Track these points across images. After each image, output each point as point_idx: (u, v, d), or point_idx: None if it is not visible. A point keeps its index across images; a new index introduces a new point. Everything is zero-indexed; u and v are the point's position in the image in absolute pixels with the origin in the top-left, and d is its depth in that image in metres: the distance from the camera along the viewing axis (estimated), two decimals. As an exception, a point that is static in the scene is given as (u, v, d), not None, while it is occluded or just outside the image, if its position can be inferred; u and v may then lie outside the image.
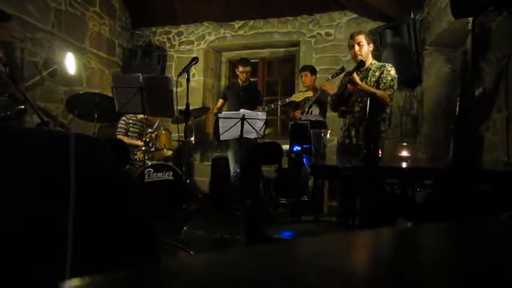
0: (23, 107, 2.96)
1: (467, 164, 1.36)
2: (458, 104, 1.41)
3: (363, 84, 2.93)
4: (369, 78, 3.00)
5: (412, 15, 4.30)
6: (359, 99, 3.02)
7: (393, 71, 2.96)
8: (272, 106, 4.33)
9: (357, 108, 3.04)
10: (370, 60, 3.05)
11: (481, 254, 0.36)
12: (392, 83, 2.92)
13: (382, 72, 2.96)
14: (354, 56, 3.03)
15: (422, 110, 4.28)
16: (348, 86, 2.96)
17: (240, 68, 4.29)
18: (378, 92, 2.89)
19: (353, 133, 3.04)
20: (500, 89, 2.54)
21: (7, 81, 3.00)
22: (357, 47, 3.00)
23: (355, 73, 2.93)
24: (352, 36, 3.07)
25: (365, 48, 2.99)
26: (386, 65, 3.03)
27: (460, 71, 4.06)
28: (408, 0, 4.35)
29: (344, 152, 3.04)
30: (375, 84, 2.95)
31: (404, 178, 2.07)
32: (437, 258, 0.36)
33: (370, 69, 3.02)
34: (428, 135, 4.17)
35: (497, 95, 2.59)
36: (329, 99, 3.34)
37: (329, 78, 3.66)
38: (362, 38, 3.00)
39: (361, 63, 2.98)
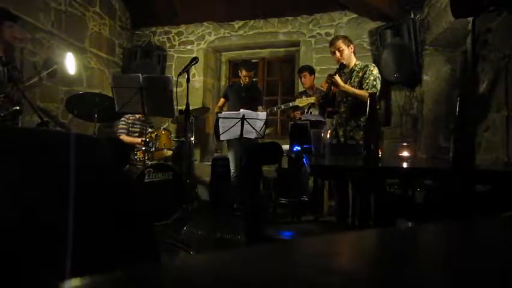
0: (18, 108, 2.94)
1: (467, 164, 1.36)
2: (458, 104, 1.41)
3: (345, 86, 3.00)
4: (353, 79, 3.05)
5: (412, 15, 4.30)
6: (344, 100, 3.08)
7: (375, 71, 2.99)
8: (275, 109, 4.34)
9: (342, 109, 3.10)
10: (354, 61, 3.11)
11: (481, 254, 0.36)
12: (374, 83, 2.96)
13: (365, 73, 3.00)
14: (337, 61, 3.11)
15: (422, 110, 4.28)
16: (332, 87, 3.03)
17: (244, 72, 4.29)
18: (359, 92, 2.94)
19: (340, 133, 3.09)
20: (500, 89, 2.54)
21: (4, 81, 2.99)
22: (337, 53, 3.07)
23: (337, 75, 3.00)
24: (331, 44, 3.15)
25: (345, 52, 3.06)
26: (369, 65, 3.07)
27: (460, 71, 4.06)
28: (408, 0, 4.35)
29: (332, 152, 3.06)
30: (359, 84, 3.00)
31: (404, 178, 2.07)
32: (437, 258, 0.36)
33: (354, 70, 3.08)
34: (428, 135, 4.17)
35: (497, 95, 2.58)
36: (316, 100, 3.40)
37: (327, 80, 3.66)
38: (340, 43, 3.06)
39: (342, 65, 3.05)
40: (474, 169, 1.41)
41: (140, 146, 3.88)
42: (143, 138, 3.78)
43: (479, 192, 1.49)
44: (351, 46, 3.09)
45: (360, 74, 3.02)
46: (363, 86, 2.97)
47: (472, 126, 2.41)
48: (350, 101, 3.03)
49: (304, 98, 4.12)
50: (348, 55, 3.07)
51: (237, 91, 4.38)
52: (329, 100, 3.19)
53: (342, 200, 2.91)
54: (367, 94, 2.88)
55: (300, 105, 4.07)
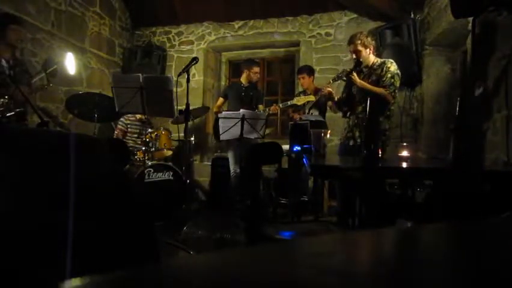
0: (22, 109, 2.95)
1: (468, 164, 1.36)
2: (458, 104, 1.41)
3: (362, 82, 2.92)
4: (371, 77, 2.98)
5: (412, 15, 4.29)
6: (362, 100, 3.01)
7: (393, 67, 2.91)
8: (268, 110, 4.28)
9: (360, 109, 3.03)
10: (372, 60, 3.02)
11: (481, 254, 0.36)
12: (392, 80, 2.87)
13: (382, 70, 2.93)
14: (354, 61, 3.04)
15: (422, 110, 4.28)
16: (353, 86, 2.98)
17: (254, 69, 4.28)
18: (376, 89, 2.86)
19: (357, 134, 3.02)
20: (500, 89, 2.54)
21: (9, 83, 3.00)
22: (354, 55, 3.01)
23: (354, 72, 2.93)
24: (349, 42, 3.05)
25: (362, 53, 2.98)
26: (386, 61, 2.99)
27: (460, 71, 4.06)
28: (408, 0, 4.35)
29: (347, 153, 3.04)
30: (377, 82, 2.92)
31: (404, 178, 2.07)
32: (437, 258, 0.36)
33: (372, 67, 3.01)
34: (428, 135, 4.17)
35: (497, 95, 2.58)
36: (329, 102, 3.34)
37: (330, 82, 3.60)
38: (357, 45, 2.96)
39: (358, 62, 2.98)
40: (478, 168, 1.41)
41: (140, 146, 3.88)
42: (144, 139, 3.78)
43: (479, 192, 1.49)
44: (370, 47, 2.99)
45: (378, 72, 2.95)
46: (381, 84, 2.89)
47: (478, 125, 2.41)
48: (367, 102, 2.97)
49: (302, 96, 4.11)
50: (366, 56, 2.98)
51: (237, 91, 4.38)
52: (344, 99, 3.14)
53: (343, 200, 2.91)
54: (385, 92, 2.85)
55: (299, 103, 4.06)
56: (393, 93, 2.89)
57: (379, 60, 3.03)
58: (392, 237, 0.44)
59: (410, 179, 2.24)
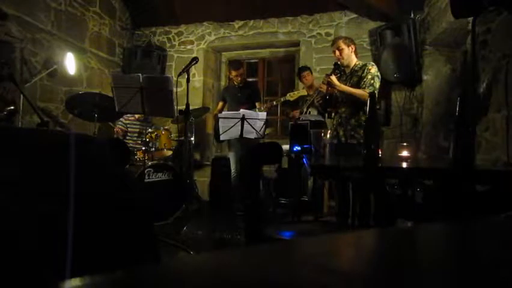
0: (12, 107, 2.92)
1: (467, 164, 1.36)
2: (458, 104, 1.41)
3: (341, 85, 3.00)
4: (352, 79, 3.06)
5: (412, 15, 4.30)
6: (344, 100, 3.08)
7: (373, 69, 2.99)
8: (263, 108, 4.26)
9: (343, 109, 3.10)
10: (354, 61, 3.12)
11: (481, 254, 0.36)
12: (372, 81, 2.95)
13: (363, 72, 3.01)
14: (337, 60, 3.12)
15: (422, 110, 4.28)
16: (329, 88, 3.03)
17: (233, 73, 4.30)
18: (355, 91, 2.94)
19: (341, 133, 3.08)
20: (500, 89, 2.54)
21: None
22: (337, 52, 3.09)
23: (332, 75, 3.01)
24: (332, 43, 3.19)
25: (345, 51, 3.07)
26: (367, 63, 3.08)
27: (460, 71, 4.06)
28: (408, 0, 4.35)
29: (333, 152, 3.05)
30: (357, 83, 3.00)
31: (404, 178, 2.07)
32: (437, 258, 0.36)
33: (354, 69, 3.09)
34: (428, 135, 4.17)
35: (497, 95, 2.58)
36: (315, 101, 3.39)
37: (325, 77, 3.62)
38: (340, 43, 3.09)
39: (336, 65, 3.08)
40: (474, 169, 1.41)
41: (140, 146, 3.88)
42: (144, 139, 3.78)
43: (479, 192, 1.49)
44: (352, 46, 3.10)
45: (359, 73, 3.03)
46: (361, 85, 2.97)
47: (471, 126, 2.41)
48: (350, 101, 3.03)
49: (295, 91, 4.14)
50: (348, 54, 3.08)
51: (233, 92, 4.40)
52: (328, 101, 3.19)
53: (343, 200, 2.91)
54: (364, 93, 2.90)
55: (291, 99, 4.09)
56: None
57: (360, 63, 3.12)
58: (391, 237, 0.44)
59: (410, 179, 2.24)
